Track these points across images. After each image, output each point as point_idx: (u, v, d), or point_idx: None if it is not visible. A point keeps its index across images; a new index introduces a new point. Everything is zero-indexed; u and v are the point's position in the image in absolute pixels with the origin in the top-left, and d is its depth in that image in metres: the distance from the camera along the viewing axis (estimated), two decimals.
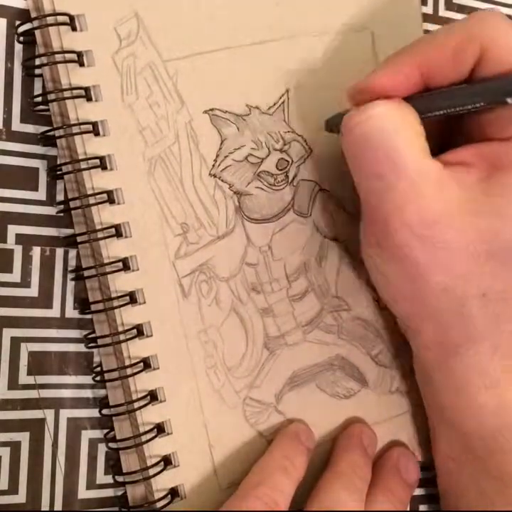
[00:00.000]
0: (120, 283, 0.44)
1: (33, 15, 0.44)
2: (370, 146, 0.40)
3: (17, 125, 0.45)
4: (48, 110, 0.45)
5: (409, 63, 0.41)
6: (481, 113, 0.41)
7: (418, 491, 0.52)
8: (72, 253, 0.46)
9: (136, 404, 0.44)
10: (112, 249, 0.43)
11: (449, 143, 0.44)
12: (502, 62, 0.39)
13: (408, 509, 0.51)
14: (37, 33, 0.43)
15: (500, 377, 0.42)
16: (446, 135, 0.45)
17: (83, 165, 0.43)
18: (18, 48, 0.45)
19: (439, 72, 0.40)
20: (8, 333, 0.45)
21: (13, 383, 0.45)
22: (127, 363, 0.44)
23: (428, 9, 0.53)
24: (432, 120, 0.42)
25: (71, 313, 0.46)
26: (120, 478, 0.46)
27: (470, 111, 0.40)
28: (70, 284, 0.46)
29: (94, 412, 0.47)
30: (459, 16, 0.55)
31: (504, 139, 0.41)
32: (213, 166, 0.46)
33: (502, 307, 0.41)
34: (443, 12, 0.54)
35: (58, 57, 0.42)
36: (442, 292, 0.41)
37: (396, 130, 0.39)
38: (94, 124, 0.43)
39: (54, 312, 0.46)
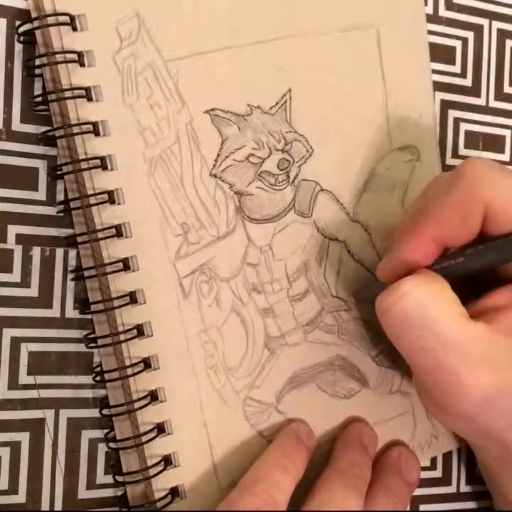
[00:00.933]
0: (120, 283, 0.44)
1: (34, 15, 0.43)
2: (409, 324, 0.40)
3: (17, 125, 0.45)
4: (48, 110, 0.45)
5: (424, 237, 0.41)
6: None
7: (418, 491, 0.52)
8: (72, 253, 0.46)
9: (136, 405, 0.44)
10: (113, 249, 0.43)
11: (484, 284, 0.44)
12: (505, 214, 0.39)
13: (408, 509, 0.51)
14: (37, 33, 0.43)
15: None
16: (480, 279, 0.45)
17: (84, 165, 0.43)
18: (19, 48, 0.45)
19: (452, 238, 0.41)
20: (8, 333, 0.45)
21: (13, 383, 0.45)
22: (127, 363, 0.44)
23: (428, 9, 0.53)
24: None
25: (71, 313, 0.46)
26: (120, 478, 0.46)
27: (487, 266, 0.41)
28: (70, 284, 0.46)
29: (94, 412, 0.47)
30: (459, 16, 0.55)
31: None
32: (214, 166, 0.46)
33: None
34: (443, 12, 0.54)
35: (59, 57, 0.42)
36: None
37: (430, 303, 0.39)
38: (95, 124, 0.43)
39: (54, 312, 0.46)
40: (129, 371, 0.44)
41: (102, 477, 0.47)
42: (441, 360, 0.39)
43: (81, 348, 0.46)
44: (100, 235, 0.43)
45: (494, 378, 0.39)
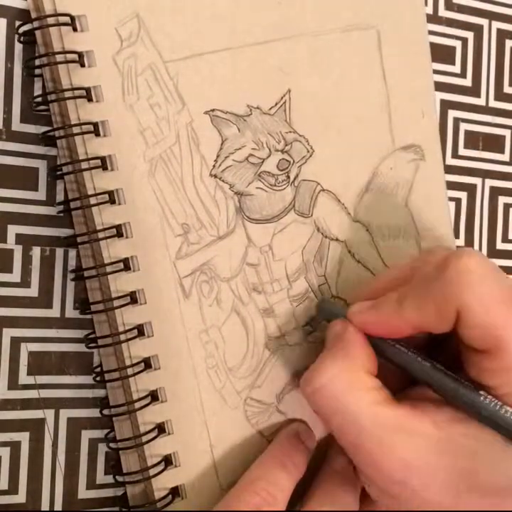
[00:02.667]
0: (121, 283, 0.44)
1: (34, 15, 0.43)
2: (328, 412, 0.41)
3: (17, 125, 0.45)
4: (48, 110, 0.45)
5: (399, 320, 0.42)
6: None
7: None
8: (72, 253, 0.46)
9: (136, 405, 0.44)
10: (113, 249, 0.43)
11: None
12: (472, 323, 0.39)
13: None
14: (37, 33, 0.43)
15: None
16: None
17: (84, 165, 0.43)
18: (19, 48, 0.45)
19: (428, 328, 0.41)
20: (8, 333, 0.45)
21: (13, 383, 0.45)
22: (128, 363, 0.44)
23: (428, 9, 0.53)
24: None
25: (71, 313, 0.46)
26: (120, 478, 0.46)
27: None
28: (70, 284, 0.46)
29: (94, 412, 0.47)
30: (458, 16, 0.55)
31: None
32: (214, 166, 0.46)
33: None
34: (443, 12, 0.54)
35: (59, 57, 0.42)
36: None
37: (344, 394, 0.41)
38: (95, 125, 0.43)
39: (54, 312, 0.46)
40: (130, 371, 0.44)
41: (102, 477, 0.47)
42: (357, 445, 0.41)
43: (81, 348, 0.46)
44: (100, 235, 0.43)
45: (409, 459, 0.39)
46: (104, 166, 0.43)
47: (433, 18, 0.54)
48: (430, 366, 0.41)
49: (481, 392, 0.39)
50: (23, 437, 0.45)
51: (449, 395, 0.40)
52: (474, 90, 0.56)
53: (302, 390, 0.43)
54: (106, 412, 0.46)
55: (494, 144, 0.57)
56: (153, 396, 0.44)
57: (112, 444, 0.46)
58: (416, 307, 0.41)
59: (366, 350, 0.43)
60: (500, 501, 0.40)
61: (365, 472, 0.41)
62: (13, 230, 0.45)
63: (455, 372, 0.41)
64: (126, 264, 0.44)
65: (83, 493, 0.46)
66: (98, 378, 0.46)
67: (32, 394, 0.45)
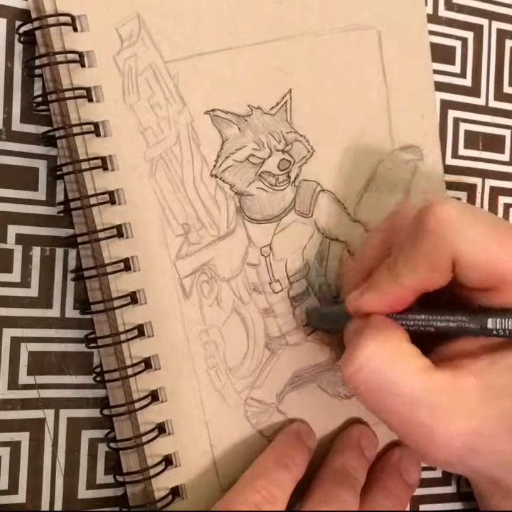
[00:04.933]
0: (121, 283, 0.44)
1: (34, 15, 0.43)
2: (372, 391, 0.40)
3: (17, 125, 0.45)
4: (49, 110, 0.45)
5: (398, 288, 0.41)
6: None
7: (418, 491, 0.52)
8: (72, 253, 0.46)
9: (137, 405, 0.44)
10: (113, 249, 0.43)
11: None
12: (472, 266, 0.39)
13: (408, 509, 0.51)
14: (38, 33, 0.43)
15: None
16: None
17: (84, 165, 0.43)
18: (19, 48, 0.45)
19: (427, 285, 0.41)
20: (8, 333, 0.45)
21: (13, 383, 0.45)
22: (128, 363, 0.44)
23: (428, 9, 0.53)
24: None
25: (71, 313, 0.46)
26: (120, 478, 0.46)
27: (453, 329, 0.40)
28: (70, 284, 0.46)
29: (94, 412, 0.47)
30: (459, 16, 0.55)
31: None
32: (214, 166, 0.46)
33: None
34: (443, 12, 0.54)
35: (59, 57, 0.42)
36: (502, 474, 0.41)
37: (388, 366, 0.39)
38: (96, 125, 0.43)
39: (54, 312, 0.46)
40: (130, 371, 0.44)
41: (102, 477, 0.47)
42: (408, 419, 0.39)
43: (81, 348, 0.46)
44: (101, 235, 0.43)
45: (467, 424, 0.38)
46: (104, 166, 0.43)
47: (433, 18, 0.54)
48: (449, 314, 0.40)
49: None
50: (23, 437, 0.45)
51: (478, 329, 0.39)
52: (474, 90, 0.56)
53: (343, 372, 0.40)
54: (106, 412, 0.46)
55: (494, 143, 0.57)
56: (154, 396, 0.44)
57: (112, 444, 0.46)
58: (410, 269, 0.40)
59: (398, 325, 0.41)
60: None
61: (420, 447, 0.40)
62: (13, 230, 0.45)
63: None
64: (127, 264, 0.44)
65: (83, 493, 0.46)
66: (98, 378, 0.46)
67: (32, 394, 0.45)
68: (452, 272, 0.39)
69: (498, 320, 0.38)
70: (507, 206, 0.58)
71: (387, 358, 0.39)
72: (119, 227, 0.43)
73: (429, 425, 0.38)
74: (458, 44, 0.55)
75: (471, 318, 0.39)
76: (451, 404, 0.38)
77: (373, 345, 0.39)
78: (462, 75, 0.55)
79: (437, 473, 0.54)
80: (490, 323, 0.38)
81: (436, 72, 0.54)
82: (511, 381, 0.39)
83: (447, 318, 0.40)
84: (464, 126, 0.55)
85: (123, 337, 0.44)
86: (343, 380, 0.41)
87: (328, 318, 0.47)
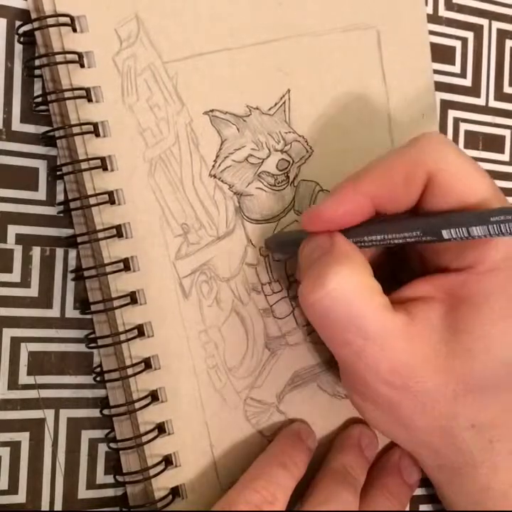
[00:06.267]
0: (121, 283, 0.44)
1: (34, 16, 0.43)
2: (332, 319, 0.40)
3: (17, 125, 0.45)
4: (48, 110, 0.45)
5: (360, 192, 0.41)
6: (433, 244, 0.41)
7: (418, 491, 0.52)
8: (72, 253, 0.46)
9: (137, 405, 0.44)
10: (113, 249, 0.43)
11: (406, 271, 0.45)
12: (447, 188, 0.39)
13: (408, 509, 0.51)
14: (37, 33, 0.43)
15: (508, 491, 0.44)
16: (403, 265, 0.46)
17: (84, 166, 0.43)
18: (19, 48, 0.45)
19: (390, 199, 0.41)
20: (8, 333, 0.45)
21: (13, 383, 0.45)
22: (128, 363, 0.44)
23: (428, 9, 0.53)
24: (385, 250, 0.44)
25: (71, 313, 0.46)
26: (120, 478, 0.46)
27: (409, 242, 0.40)
28: (70, 284, 0.46)
29: (94, 412, 0.47)
30: (459, 16, 0.55)
31: (459, 269, 0.41)
32: (213, 166, 0.46)
33: (494, 432, 0.42)
34: (443, 12, 0.54)
35: (59, 57, 0.42)
36: (431, 432, 0.42)
37: (353, 297, 0.39)
38: (95, 125, 0.43)
39: (54, 312, 0.46)
40: (130, 371, 0.44)
41: (102, 477, 0.47)
42: (361, 352, 0.39)
43: (81, 348, 0.46)
44: (100, 235, 0.43)
45: (409, 364, 0.39)
46: (104, 166, 0.43)
47: (433, 18, 0.54)
48: (405, 230, 0.40)
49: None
50: (23, 437, 0.45)
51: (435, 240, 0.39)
52: (474, 90, 0.56)
53: (306, 297, 0.40)
54: (106, 412, 0.46)
55: (494, 143, 0.57)
56: (154, 396, 0.44)
57: (112, 444, 0.46)
58: (380, 176, 0.40)
59: (361, 253, 0.41)
60: (494, 394, 0.41)
61: (360, 380, 0.41)
62: (13, 230, 0.45)
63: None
64: (126, 265, 0.44)
65: (83, 493, 0.46)
66: (98, 378, 0.46)
67: (32, 394, 0.45)
68: (418, 195, 0.40)
69: (452, 230, 0.37)
70: None
71: (355, 290, 0.39)
72: (118, 227, 0.43)
73: (376, 356, 0.39)
74: (458, 44, 0.55)
75: (426, 231, 0.39)
76: (401, 345, 0.39)
77: (342, 274, 0.39)
78: (462, 75, 0.55)
79: None
80: (445, 234, 0.38)
81: (436, 72, 0.54)
82: (460, 343, 0.39)
83: (403, 235, 0.40)
84: (464, 126, 0.55)
85: (123, 337, 0.44)
86: (302, 304, 0.41)
87: (285, 243, 0.46)
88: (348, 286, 0.39)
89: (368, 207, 0.41)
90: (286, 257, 0.48)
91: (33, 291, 0.45)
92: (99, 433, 0.47)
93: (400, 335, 0.39)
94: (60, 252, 0.46)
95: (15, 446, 0.45)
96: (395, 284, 0.43)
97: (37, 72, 0.45)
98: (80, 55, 0.42)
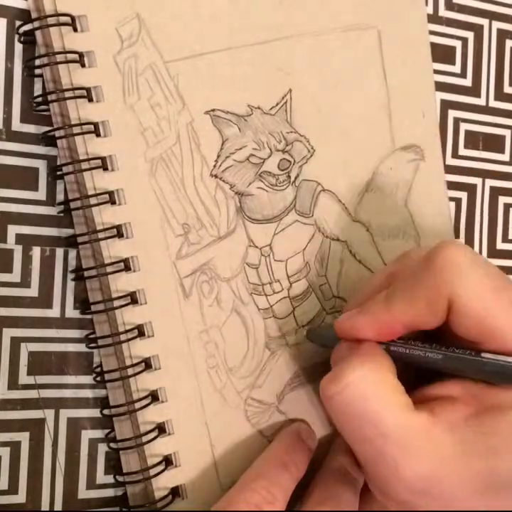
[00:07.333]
0: (121, 283, 0.44)
1: (34, 15, 0.43)
2: (352, 414, 0.40)
3: (17, 125, 0.45)
4: (49, 110, 0.45)
5: (388, 317, 0.41)
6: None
7: None
8: (72, 253, 0.46)
9: (137, 405, 0.44)
10: (113, 249, 0.43)
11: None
12: (465, 314, 0.39)
13: None
14: (38, 33, 0.43)
15: None
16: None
17: (84, 165, 0.43)
18: (19, 48, 0.45)
19: (419, 323, 0.41)
20: (8, 333, 0.45)
21: (13, 383, 0.45)
22: (128, 363, 0.44)
23: (428, 9, 0.53)
24: None
25: (71, 313, 0.46)
26: (120, 478, 0.46)
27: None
28: (70, 284, 0.46)
29: (94, 412, 0.47)
30: (459, 16, 0.55)
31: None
32: (214, 166, 0.46)
33: None
34: (443, 12, 0.54)
35: (59, 57, 0.42)
36: None
37: (373, 394, 0.39)
38: (96, 125, 0.43)
39: (54, 312, 0.46)
40: (130, 371, 0.44)
41: (102, 477, 0.47)
42: (380, 451, 0.39)
43: (81, 348, 0.46)
44: (101, 235, 0.43)
45: (433, 470, 0.39)
46: (104, 166, 0.43)
47: (433, 18, 0.54)
48: (440, 350, 0.41)
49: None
50: (23, 437, 0.45)
51: (470, 368, 0.40)
52: (474, 90, 0.56)
53: (325, 391, 0.41)
54: (106, 412, 0.46)
55: (494, 143, 0.57)
56: (154, 396, 0.44)
57: (112, 444, 0.46)
58: (406, 301, 0.41)
59: (387, 356, 0.42)
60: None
61: (381, 480, 0.41)
62: (13, 230, 0.45)
63: None
64: (127, 265, 0.44)
65: (83, 493, 0.46)
66: (98, 378, 0.46)
67: (32, 394, 0.45)
68: (445, 316, 0.40)
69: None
70: (507, 206, 0.58)
71: (373, 387, 0.40)
72: (119, 227, 0.43)
73: (398, 461, 0.39)
74: (458, 44, 0.55)
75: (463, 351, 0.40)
76: (423, 447, 0.39)
77: (362, 370, 0.40)
78: (462, 75, 0.55)
79: None
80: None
81: (436, 72, 0.54)
82: (488, 441, 0.39)
83: (443, 351, 0.41)
84: (464, 126, 0.55)
85: (123, 337, 0.44)
86: (322, 397, 0.41)
87: (323, 339, 0.47)
88: (365, 382, 0.39)
89: (400, 329, 0.42)
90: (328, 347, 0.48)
91: (33, 291, 0.45)
92: (99, 433, 0.47)
93: (422, 435, 0.39)
94: (60, 252, 0.46)
95: (15, 446, 0.45)
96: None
97: (37, 71, 0.45)
98: (81, 55, 0.42)
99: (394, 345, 0.42)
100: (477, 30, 0.56)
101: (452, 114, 0.55)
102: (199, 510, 0.45)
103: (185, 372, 0.45)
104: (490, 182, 0.57)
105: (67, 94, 0.43)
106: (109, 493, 0.47)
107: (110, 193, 0.43)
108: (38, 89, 0.45)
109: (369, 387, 0.39)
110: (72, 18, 0.42)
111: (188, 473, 0.45)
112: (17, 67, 0.45)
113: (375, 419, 0.39)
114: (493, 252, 0.58)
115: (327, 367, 0.49)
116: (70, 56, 0.42)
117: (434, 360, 0.41)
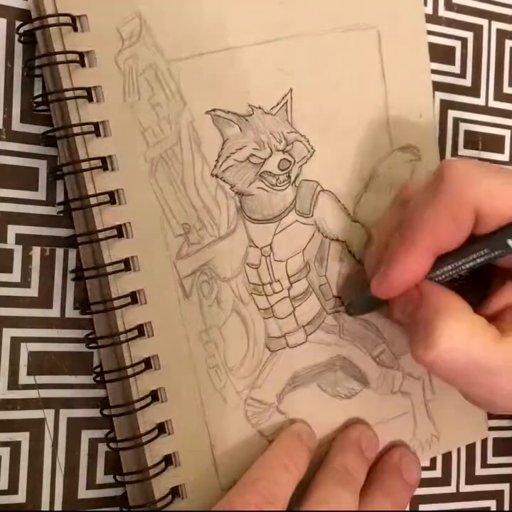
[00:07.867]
0: (121, 283, 0.44)
1: (34, 15, 0.43)
2: (457, 370, 0.41)
3: (17, 125, 0.45)
4: (49, 110, 0.45)
5: (421, 249, 0.41)
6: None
7: (418, 491, 0.52)
8: (72, 253, 0.46)
9: (137, 405, 0.44)
10: (113, 249, 0.43)
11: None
12: (496, 216, 0.39)
13: (408, 509, 0.51)
14: (38, 33, 0.43)
15: None
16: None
17: (85, 166, 0.43)
18: (19, 48, 0.45)
19: (446, 244, 0.41)
20: (8, 333, 0.45)
21: (13, 383, 0.45)
22: (128, 363, 0.44)
23: (428, 9, 0.53)
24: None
25: (71, 313, 0.46)
26: (120, 478, 0.46)
27: (480, 263, 0.41)
28: (70, 284, 0.46)
29: (94, 412, 0.47)
30: (458, 16, 0.55)
31: None
32: (215, 166, 0.46)
33: None
34: (443, 12, 0.54)
35: (60, 57, 0.42)
36: None
37: (468, 345, 0.40)
38: (96, 125, 0.43)
39: (54, 312, 0.46)
40: (130, 371, 0.44)
41: (102, 477, 0.47)
42: (494, 388, 0.41)
43: (81, 348, 0.46)
44: (101, 235, 0.43)
45: None
46: (104, 167, 0.43)
47: (433, 18, 0.54)
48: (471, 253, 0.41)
49: None
50: (23, 437, 0.45)
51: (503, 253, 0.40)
52: (474, 90, 0.56)
53: (423, 357, 0.41)
54: (106, 412, 0.46)
55: (494, 144, 0.57)
56: (154, 396, 0.44)
57: (112, 444, 0.46)
58: (428, 228, 0.41)
59: (451, 291, 0.42)
60: None
61: (491, 404, 0.42)
62: (13, 230, 0.45)
63: None
64: (127, 265, 0.44)
65: (83, 493, 0.46)
66: (98, 378, 0.46)
67: (32, 394, 0.45)
68: (471, 227, 0.40)
69: None
70: None
71: (467, 337, 0.40)
72: (119, 227, 0.43)
73: (509, 390, 0.40)
74: (458, 44, 0.55)
75: (492, 247, 0.40)
76: None
77: (451, 326, 0.40)
78: (462, 75, 0.55)
79: (437, 473, 0.54)
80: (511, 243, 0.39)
81: (436, 72, 0.54)
82: None
83: (472, 258, 0.41)
84: (463, 126, 0.55)
85: (123, 337, 0.44)
86: (420, 362, 0.41)
87: (366, 308, 0.48)
88: (459, 337, 0.40)
89: (430, 258, 0.42)
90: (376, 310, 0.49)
91: (33, 291, 0.45)
92: (99, 433, 0.47)
93: None
94: (60, 252, 0.46)
95: (15, 446, 0.45)
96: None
97: (37, 72, 0.45)
98: (81, 55, 0.42)
99: (440, 274, 0.42)
100: (476, 30, 0.56)
101: (452, 114, 0.55)
102: (199, 510, 0.45)
103: (185, 372, 0.45)
104: None
105: (68, 95, 0.42)
106: (109, 493, 0.47)
107: (110, 193, 0.43)
108: (38, 89, 0.45)
109: (464, 341, 0.40)
110: (73, 18, 0.42)
111: (188, 473, 0.45)
112: (17, 67, 0.45)
113: (479, 364, 0.40)
114: None
115: (327, 367, 0.49)
116: (70, 56, 0.42)
117: (483, 256, 0.41)
